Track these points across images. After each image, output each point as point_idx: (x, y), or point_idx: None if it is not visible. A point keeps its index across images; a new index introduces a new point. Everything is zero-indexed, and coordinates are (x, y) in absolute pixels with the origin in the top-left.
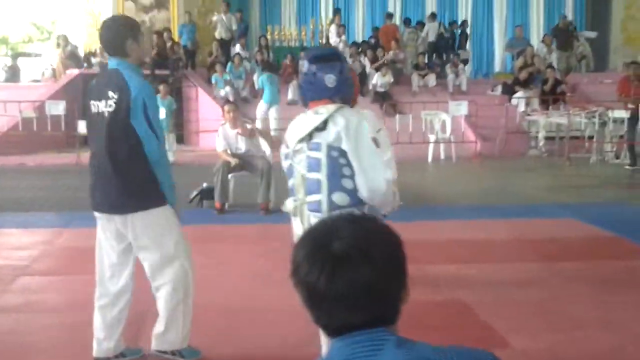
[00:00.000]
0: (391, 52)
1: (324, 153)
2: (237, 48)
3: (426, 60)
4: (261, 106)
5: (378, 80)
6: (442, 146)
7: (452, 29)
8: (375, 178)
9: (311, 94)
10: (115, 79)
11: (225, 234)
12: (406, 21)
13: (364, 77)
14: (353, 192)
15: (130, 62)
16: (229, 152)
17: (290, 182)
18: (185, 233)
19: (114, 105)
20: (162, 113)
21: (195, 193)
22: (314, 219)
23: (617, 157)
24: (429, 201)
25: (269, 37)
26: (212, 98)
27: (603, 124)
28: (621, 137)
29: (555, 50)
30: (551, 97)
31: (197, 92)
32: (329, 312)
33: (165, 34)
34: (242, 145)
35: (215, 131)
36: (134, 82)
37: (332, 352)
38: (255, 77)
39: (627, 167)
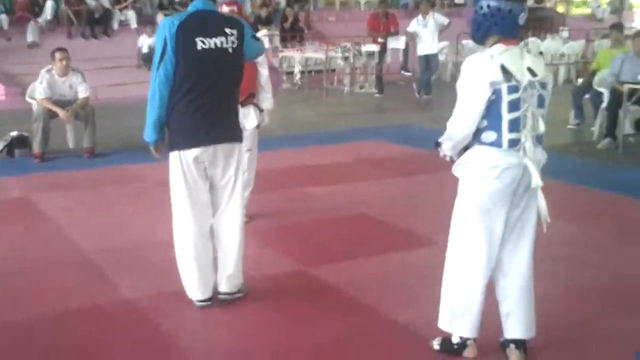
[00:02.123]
0: None
1: (549, 91)
2: None
3: None
4: None
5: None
6: None
7: None
8: None
9: (499, 29)
10: (225, 18)
11: (79, 179)
12: None
13: (108, 16)
14: None
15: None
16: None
17: (513, 115)
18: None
19: (236, 40)
20: None
21: (3, 143)
22: (535, 149)
23: (362, 87)
24: None
25: None
26: None
27: (354, 57)
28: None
29: None
30: (293, 34)
31: None
32: None
33: None
34: (66, 92)
35: None
36: (240, 18)
37: None
38: None
39: (376, 94)
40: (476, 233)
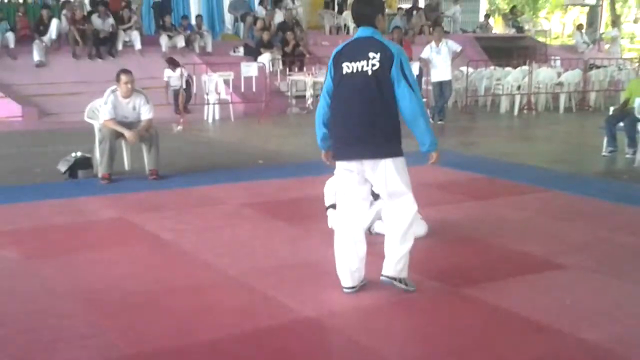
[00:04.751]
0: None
1: None
2: None
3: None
4: None
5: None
6: (217, 107)
7: None
8: None
9: None
10: (374, 42)
11: (163, 200)
12: None
13: (113, 37)
14: None
15: (379, 31)
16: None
17: None
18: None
19: (377, 63)
20: None
21: (67, 164)
22: None
23: None
24: (285, 159)
25: None
26: None
27: None
28: None
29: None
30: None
31: None
32: None
33: None
34: (129, 114)
35: None
36: (392, 45)
37: None
38: None
39: None
40: None
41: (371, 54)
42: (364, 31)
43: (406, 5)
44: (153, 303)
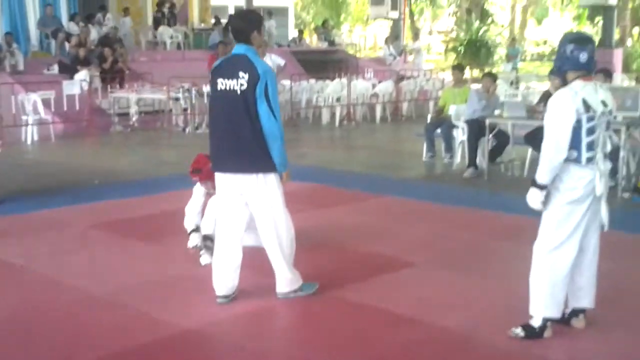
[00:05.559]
0: None
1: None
2: None
3: None
4: None
5: None
6: (35, 128)
7: None
8: None
9: (577, 66)
10: (245, 62)
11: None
12: None
13: None
14: None
15: (254, 48)
16: None
17: (590, 139)
18: None
19: (245, 84)
20: None
21: None
22: (604, 163)
23: (197, 128)
24: (120, 178)
25: None
26: None
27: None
28: None
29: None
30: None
31: None
32: None
33: None
34: None
35: None
36: (261, 66)
37: None
38: None
39: None
40: (568, 229)
41: (241, 74)
42: (238, 48)
43: (223, 20)
44: (22, 329)
